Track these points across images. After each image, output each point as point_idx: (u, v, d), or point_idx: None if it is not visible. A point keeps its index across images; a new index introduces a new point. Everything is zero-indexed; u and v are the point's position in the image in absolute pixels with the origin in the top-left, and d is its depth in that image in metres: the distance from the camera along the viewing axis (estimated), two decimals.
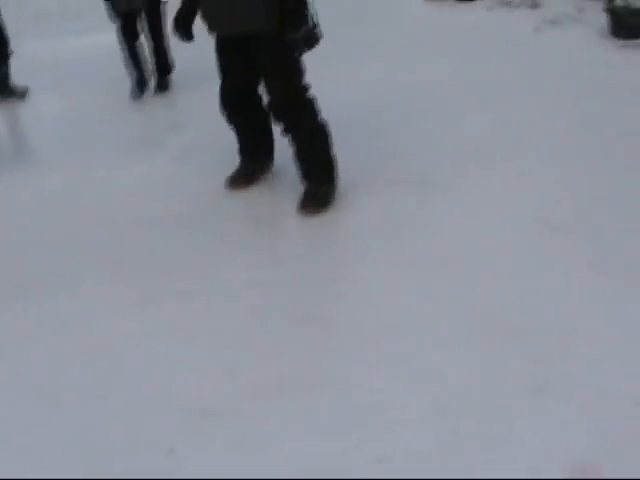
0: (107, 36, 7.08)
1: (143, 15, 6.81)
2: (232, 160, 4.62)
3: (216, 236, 4.02)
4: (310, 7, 3.82)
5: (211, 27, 4.04)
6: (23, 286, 3.74)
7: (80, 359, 3.09)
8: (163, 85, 7.05)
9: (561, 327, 2.90)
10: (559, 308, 3.02)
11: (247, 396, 2.76)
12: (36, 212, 4.64)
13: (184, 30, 4.16)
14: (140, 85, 6.88)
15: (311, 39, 3.81)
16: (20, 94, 7.44)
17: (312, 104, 4.07)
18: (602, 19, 6.73)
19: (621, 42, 6.37)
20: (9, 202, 4.86)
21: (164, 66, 7.04)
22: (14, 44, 7.27)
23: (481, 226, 3.77)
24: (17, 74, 7.36)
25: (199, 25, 4.13)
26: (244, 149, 4.55)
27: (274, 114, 4.12)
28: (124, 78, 6.79)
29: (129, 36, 6.81)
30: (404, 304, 3.20)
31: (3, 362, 3.16)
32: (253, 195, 4.44)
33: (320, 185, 4.18)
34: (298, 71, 4.01)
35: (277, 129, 4.21)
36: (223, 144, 4.82)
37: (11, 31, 7.28)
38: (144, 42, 6.85)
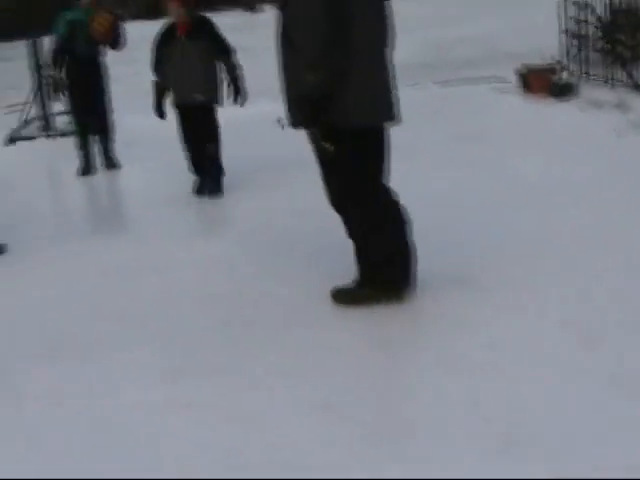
0: None
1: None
2: (285, 245, 4.77)
3: (259, 319, 4.13)
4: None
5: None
6: (60, 348, 3.97)
7: (89, 425, 3.21)
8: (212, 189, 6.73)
9: (565, 442, 2.84)
10: (566, 422, 2.95)
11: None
12: (101, 277, 4.95)
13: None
14: (200, 188, 6.69)
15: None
16: (117, 165, 7.99)
17: (362, 203, 4.03)
18: None
19: None
20: (82, 263, 5.26)
21: (214, 176, 6.74)
22: (116, 117, 7.78)
23: (514, 329, 3.75)
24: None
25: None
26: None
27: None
28: None
29: (189, 135, 6.62)
30: (419, 402, 3.21)
31: (17, 419, 3.32)
32: (304, 279, 4.54)
33: (360, 282, 4.15)
34: (346, 168, 3.98)
35: None
36: (275, 232, 5.09)
37: (117, 105, 7.84)
38: None
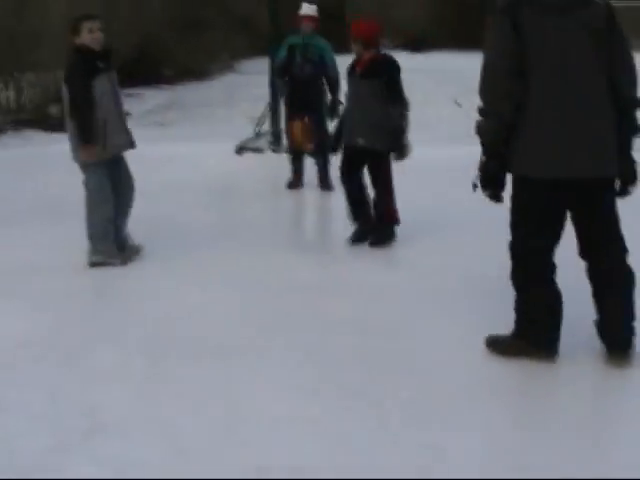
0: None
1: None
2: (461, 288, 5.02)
3: (407, 351, 4.30)
4: None
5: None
6: (211, 350, 4.35)
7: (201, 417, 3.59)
8: (381, 237, 6.32)
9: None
10: None
11: None
12: (282, 292, 5.26)
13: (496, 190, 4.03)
14: (359, 236, 6.31)
15: None
16: (330, 187, 8.32)
17: (517, 255, 4.05)
18: None
19: None
20: (263, 275, 5.61)
21: (381, 218, 6.32)
22: None
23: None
24: None
25: None
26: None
27: None
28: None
29: (348, 177, 6.25)
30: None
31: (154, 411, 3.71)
32: (468, 321, 4.60)
33: (515, 333, 4.15)
34: (514, 216, 4.04)
35: None
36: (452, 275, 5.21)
37: None
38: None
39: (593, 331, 4.10)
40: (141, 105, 15.15)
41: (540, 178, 3.87)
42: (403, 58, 6.76)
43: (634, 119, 3.94)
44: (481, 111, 3.91)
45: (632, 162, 3.95)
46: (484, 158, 3.96)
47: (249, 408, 3.67)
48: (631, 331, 4.04)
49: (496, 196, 4.02)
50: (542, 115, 3.82)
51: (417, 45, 21.61)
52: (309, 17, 8.23)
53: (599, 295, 4.06)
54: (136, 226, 6.08)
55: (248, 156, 10.12)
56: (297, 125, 8.20)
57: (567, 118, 3.81)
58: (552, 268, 4.06)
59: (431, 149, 9.10)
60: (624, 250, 4.04)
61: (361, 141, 6.07)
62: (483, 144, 3.94)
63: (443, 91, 14.22)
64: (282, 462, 3.23)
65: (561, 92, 3.81)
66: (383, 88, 6.02)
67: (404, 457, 3.28)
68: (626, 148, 3.93)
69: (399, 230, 6.37)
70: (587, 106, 3.83)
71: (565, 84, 3.81)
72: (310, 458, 3.26)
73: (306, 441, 3.38)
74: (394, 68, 6.09)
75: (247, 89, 14.71)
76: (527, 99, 3.82)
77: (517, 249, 4.05)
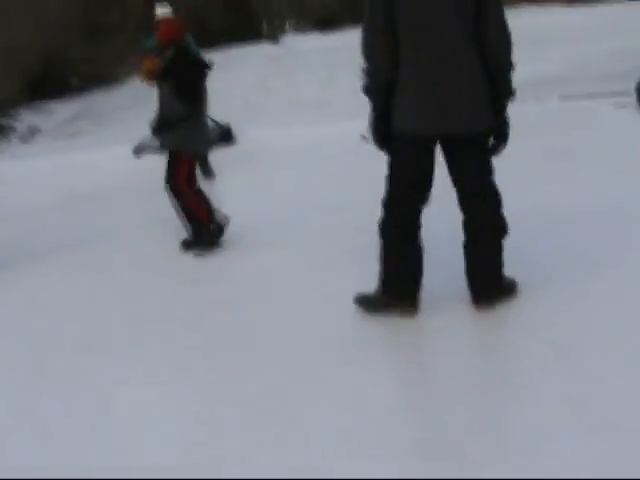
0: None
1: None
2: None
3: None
4: None
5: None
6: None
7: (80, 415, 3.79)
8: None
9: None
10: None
11: None
12: (153, 281, 5.48)
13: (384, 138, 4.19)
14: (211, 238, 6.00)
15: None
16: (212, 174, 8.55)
17: (383, 209, 4.23)
18: None
19: None
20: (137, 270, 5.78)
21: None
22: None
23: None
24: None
25: None
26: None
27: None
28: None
29: (190, 183, 6.02)
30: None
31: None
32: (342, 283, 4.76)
33: (379, 289, 4.29)
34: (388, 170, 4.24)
35: None
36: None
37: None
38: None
39: (456, 285, 4.35)
40: (51, 118, 15.12)
41: (411, 134, 4.09)
42: (312, 39, 6.86)
43: (508, 81, 4.09)
44: (363, 71, 4.12)
45: (504, 123, 4.15)
46: (372, 115, 4.16)
47: (120, 396, 3.88)
48: (499, 280, 4.28)
49: (385, 148, 4.20)
50: (412, 74, 4.03)
51: (326, 25, 21.75)
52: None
53: (470, 245, 4.25)
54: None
55: (147, 157, 10.19)
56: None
57: (435, 77, 4.01)
58: (418, 223, 4.23)
59: (323, 128, 9.33)
60: (498, 203, 4.22)
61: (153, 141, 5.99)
62: (370, 102, 4.14)
63: (348, 69, 14.35)
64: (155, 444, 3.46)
65: (430, 52, 4.01)
66: (174, 89, 5.92)
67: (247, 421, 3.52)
68: (499, 110, 4.11)
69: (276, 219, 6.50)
70: (455, 65, 4.02)
71: (434, 44, 4.01)
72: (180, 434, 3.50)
73: (174, 420, 3.62)
74: (183, 69, 5.99)
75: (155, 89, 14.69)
76: (400, 58, 4.02)
77: (388, 203, 4.21)
